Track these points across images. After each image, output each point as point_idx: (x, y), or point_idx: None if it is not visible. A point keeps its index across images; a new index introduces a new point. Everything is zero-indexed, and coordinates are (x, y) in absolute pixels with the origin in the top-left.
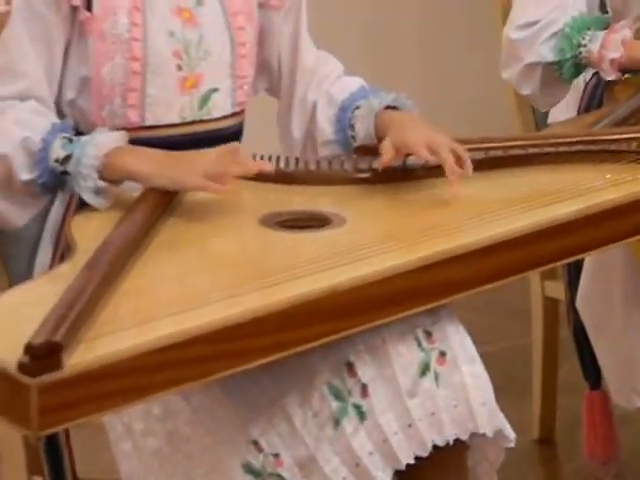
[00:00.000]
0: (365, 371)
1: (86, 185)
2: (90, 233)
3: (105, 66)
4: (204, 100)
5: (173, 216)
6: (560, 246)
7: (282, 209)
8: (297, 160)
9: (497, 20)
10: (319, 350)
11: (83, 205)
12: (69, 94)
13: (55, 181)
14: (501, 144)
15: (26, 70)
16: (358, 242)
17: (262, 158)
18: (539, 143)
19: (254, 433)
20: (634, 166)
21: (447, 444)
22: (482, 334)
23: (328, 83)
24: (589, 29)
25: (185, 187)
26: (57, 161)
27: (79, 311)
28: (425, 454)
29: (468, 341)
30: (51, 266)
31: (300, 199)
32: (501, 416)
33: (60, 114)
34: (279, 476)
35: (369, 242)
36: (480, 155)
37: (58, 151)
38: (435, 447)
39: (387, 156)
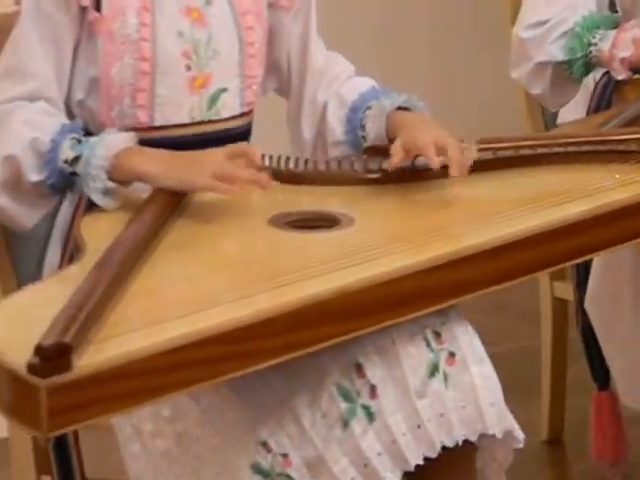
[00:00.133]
0: (374, 372)
1: (95, 186)
2: (99, 234)
3: (114, 66)
4: (213, 100)
5: (182, 217)
6: (569, 246)
7: (291, 209)
8: (306, 161)
9: (506, 22)
10: (328, 351)
11: (92, 206)
12: (78, 94)
13: (64, 182)
14: (510, 144)
15: (35, 70)
16: (367, 242)
17: (271, 158)
18: (548, 143)
19: (263, 434)
20: None
21: (456, 445)
22: (491, 335)
23: (338, 83)
24: (599, 28)
25: (194, 187)
26: (66, 162)
27: (88, 312)
28: (434, 455)
29: (477, 342)
30: (60, 267)
31: (309, 199)
32: (510, 417)
33: (69, 114)
34: (288, 476)
35: (378, 242)
36: (489, 155)
37: (67, 152)
38: (444, 448)
39: (396, 158)
